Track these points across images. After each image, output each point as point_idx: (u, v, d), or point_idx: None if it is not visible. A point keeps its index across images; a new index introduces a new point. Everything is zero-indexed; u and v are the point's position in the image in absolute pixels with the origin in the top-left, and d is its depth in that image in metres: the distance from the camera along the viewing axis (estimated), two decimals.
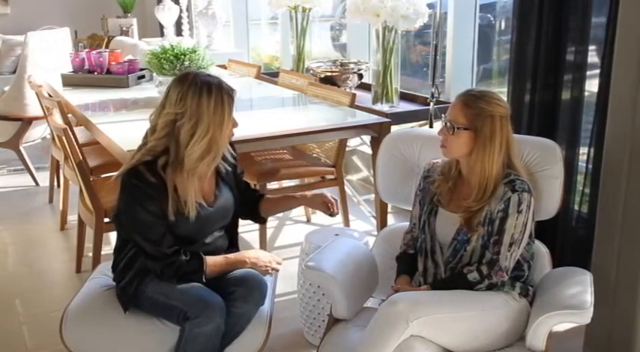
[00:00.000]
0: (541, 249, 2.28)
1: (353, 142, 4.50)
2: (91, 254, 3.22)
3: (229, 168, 2.30)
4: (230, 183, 2.31)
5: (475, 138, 2.04)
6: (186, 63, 3.65)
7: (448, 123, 2.08)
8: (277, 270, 2.32)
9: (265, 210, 2.44)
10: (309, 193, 2.42)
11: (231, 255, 2.25)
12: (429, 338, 1.91)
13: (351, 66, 4.40)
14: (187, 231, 2.16)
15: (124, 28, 6.71)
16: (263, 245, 3.40)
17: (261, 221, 2.53)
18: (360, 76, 4.33)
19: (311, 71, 4.43)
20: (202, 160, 2.09)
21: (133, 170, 2.08)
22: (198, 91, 2.05)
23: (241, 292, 2.14)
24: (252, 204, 2.42)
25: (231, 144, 2.33)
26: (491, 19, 4.44)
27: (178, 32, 6.42)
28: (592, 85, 2.77)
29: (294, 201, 2.47)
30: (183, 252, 2.13)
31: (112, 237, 3.27)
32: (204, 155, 2.08)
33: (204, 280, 2.15)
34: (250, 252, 2.29)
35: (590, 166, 2.77)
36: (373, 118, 3.34)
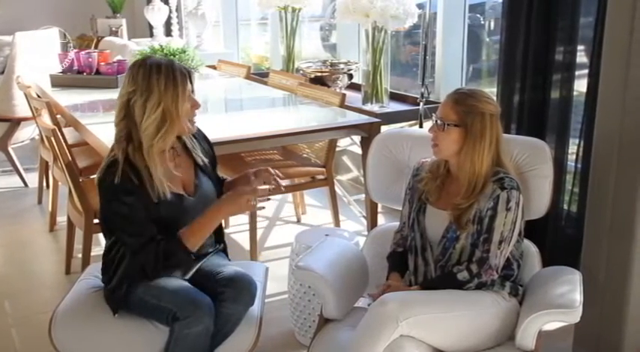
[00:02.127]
0: (530, 249, 2.29)
1: (343, 142, 4.51)
2: (80, 255, 3.21)
3: (206, 159, 2.31)
4: (209, 173, 2.32)
5: (465, 135, 2.05)
6: None
7: (439, 121, 2.09)
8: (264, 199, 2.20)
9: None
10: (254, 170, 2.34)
11: (204, 214, 2.17)
12: (419, 338, 1.91)
13: (341, 66, 4.40)
14: (169, 221, 2.14)
15: (114, 29, 6.68)
16: (253, 245, 3.39)
17: None
18: (350, 76, 4.33)
19: (301, 71, 4.43)
20: (157, 134, 2.09)
21: (106, 166, 2.10)
22: (148, 70, 2.09)
23: (231, 293, 2.13)
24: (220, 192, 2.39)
25: (204, 134, 2.36)
26: (481, 19, 4.45)
27: (168, 32, 6.40)
28: (581, 85, 2.79)
29: (245, 178, 2.35)
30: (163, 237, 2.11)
31: (102, 238, 3.24)
32: (159, 128, 2.08)
33: (192, 256, 2.13)
34: (221, 201, 2.20)
35: (579, 165, 2.78)
36: (363, 118, 3.34)
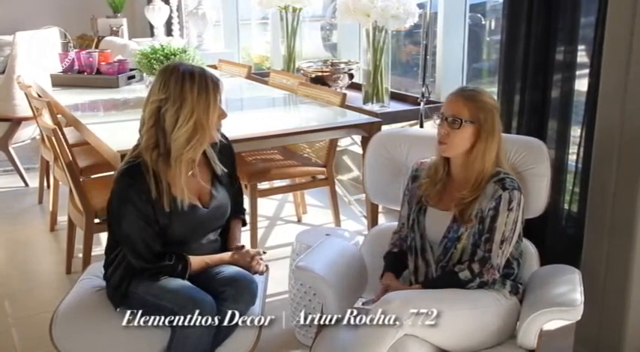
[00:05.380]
0: (529, 248, 2.28)
1: (344, 142, 4.51)
2: (81, 255, 3.21)
3: (225, 170, 2.30)
4: (226, 184, 2.31)
5: (478, 132, 2.05)
6: None
7: (450, 118, 2.07)
8: (265, 269, 2.30)
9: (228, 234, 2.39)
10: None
11: (213, 258, 2.25)
12: (423, 337, 1.91)
13: (342, 66, 4.40)
14: (181, 233, 2.16)
15: (114, 28, 6.68)
16: (254, 245, 3.40)
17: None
18: (351, 76, 4.33)
19: (301, 71, 4.43)
20: (188, 144, 2.08)
21: (126, 169, 2.09)
22: (181, 77, 2.06)
23: (231, 292, 2.13)
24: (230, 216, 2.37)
25: (229, 144, 2.34)
26: (481, 18, 4.45)
27: (168, 32, 6.40)
28: (581, 85, 2.79)
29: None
30: (169, 256, 2.13)
31: (103, 237, 3.26)
32: (190, 139, 2.07)
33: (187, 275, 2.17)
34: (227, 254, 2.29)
35: (579, 165, 2.78)
36: (364, 118, 3.34)
